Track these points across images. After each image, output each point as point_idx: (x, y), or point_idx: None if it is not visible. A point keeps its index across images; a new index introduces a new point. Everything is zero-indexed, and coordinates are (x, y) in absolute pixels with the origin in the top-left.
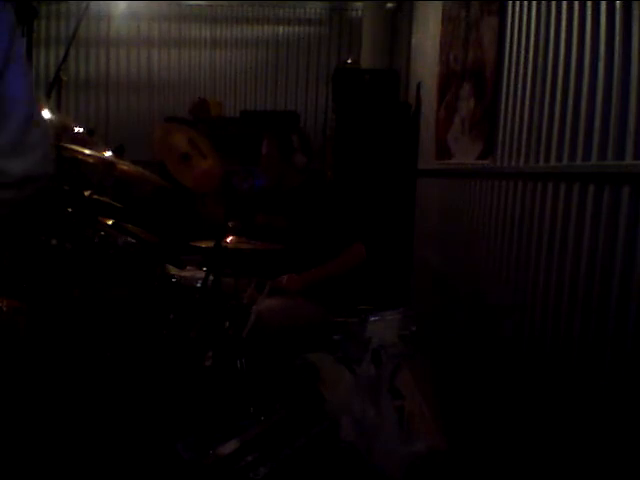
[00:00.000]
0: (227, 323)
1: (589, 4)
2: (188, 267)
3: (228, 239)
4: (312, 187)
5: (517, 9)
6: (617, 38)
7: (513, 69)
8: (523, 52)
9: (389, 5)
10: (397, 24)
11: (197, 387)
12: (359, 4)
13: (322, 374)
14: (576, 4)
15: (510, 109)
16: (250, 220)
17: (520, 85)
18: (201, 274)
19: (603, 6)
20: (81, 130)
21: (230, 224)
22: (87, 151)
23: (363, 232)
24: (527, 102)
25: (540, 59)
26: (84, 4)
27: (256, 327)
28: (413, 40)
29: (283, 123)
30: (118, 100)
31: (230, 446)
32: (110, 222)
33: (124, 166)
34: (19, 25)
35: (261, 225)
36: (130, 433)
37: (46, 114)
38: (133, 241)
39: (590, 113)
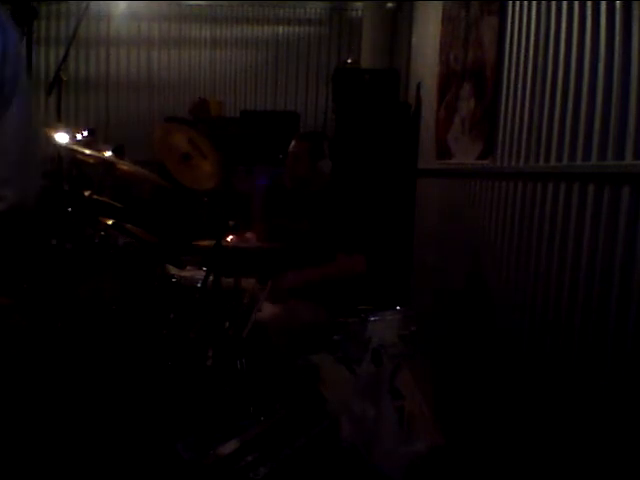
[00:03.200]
0: (227, 323)
1: (589, 4)
2: (188, 267)
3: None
4: (332, 192)
5: (517, 9)
6: (617, 38)
7: (513, 69)
8: (523, 52)
9: (389, 5)
10: (397, 24)
11: (197, 387)
12: (359, 4)
13: (322, 374)
14: (576, 4)
15: (510, 109)
16: (267, 223)
17: (520, 85)
18: (201, 274)
19: (603, 6)
20: (85, 133)
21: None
22: (87, 151)
23: (365, 238)
24: (527, 102)
25: (540, 59)
26: (84, 4)
27: (257, 330)
28: (413, 40)
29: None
30: (118, 100)
31: (230, 446)
32: (110, 222)
33: (124, 166)
34: (19, 25)
35: (282, 228)
36: (130, 433)
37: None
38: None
39: (590, 113)
